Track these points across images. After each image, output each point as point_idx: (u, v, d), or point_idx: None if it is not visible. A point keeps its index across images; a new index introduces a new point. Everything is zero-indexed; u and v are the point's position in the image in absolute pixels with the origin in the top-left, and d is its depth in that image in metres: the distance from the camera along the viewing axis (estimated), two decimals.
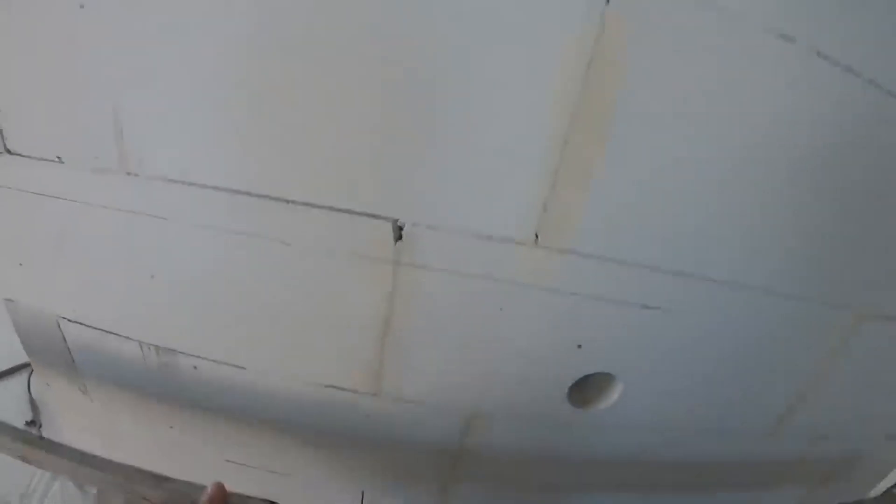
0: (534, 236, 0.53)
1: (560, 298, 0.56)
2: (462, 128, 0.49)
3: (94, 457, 0.66)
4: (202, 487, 0.53)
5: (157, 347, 0.71)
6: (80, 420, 0.90)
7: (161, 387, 0.75)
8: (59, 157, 0.57)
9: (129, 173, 0.55)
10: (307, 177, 0.53)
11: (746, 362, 0.70)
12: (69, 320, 0.72)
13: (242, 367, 0.68)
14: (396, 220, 0.54)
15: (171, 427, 0.82)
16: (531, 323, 0.57)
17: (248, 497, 0.55)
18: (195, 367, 0.71)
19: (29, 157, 0.58)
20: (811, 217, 0.57)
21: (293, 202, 0.54)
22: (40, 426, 1.10)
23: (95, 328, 0.71)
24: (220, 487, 0.50)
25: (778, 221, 0.56)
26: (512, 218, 0.52)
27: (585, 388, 0.66)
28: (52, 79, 0.53)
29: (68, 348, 0.76)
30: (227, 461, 0.83)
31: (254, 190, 0.54)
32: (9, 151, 0.58)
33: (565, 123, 0.48)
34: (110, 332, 0.71)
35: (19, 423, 1.08)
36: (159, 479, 0.63)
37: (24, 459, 0.67)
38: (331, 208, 0.54)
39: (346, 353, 0.63)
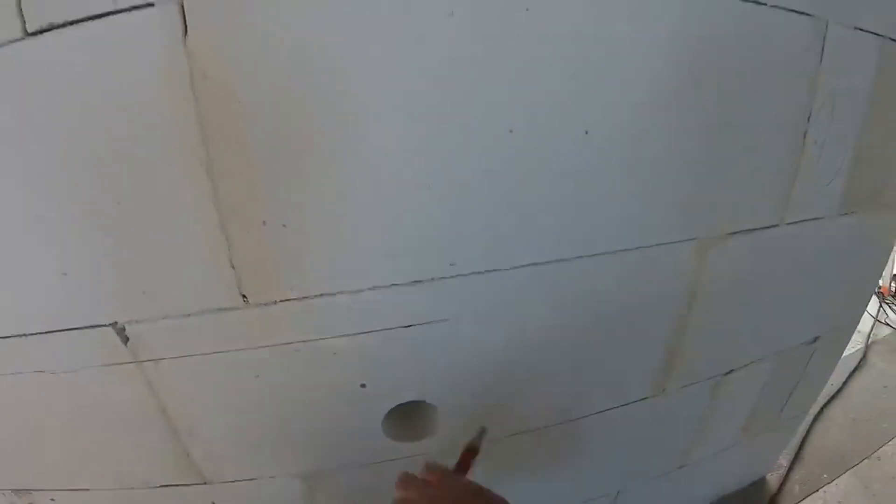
0: (241, 298, 0.49)
1: (306, 348, 0.52)
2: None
3: None
4: None
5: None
6: None
7: None
8: None
9: None
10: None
11: (593, 341, 0.64)
12: None
13: (86, 489, 0.67)
14: (115, 323, 0.51)
15: None
16: (294, 381, 0.53)
17: None
18: (52, 500, 0.70)
19: None
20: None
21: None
22: None
23: None
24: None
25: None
26: (209, 288, 0.48)
27: (411, 420, 0.62)
28: None
29: None
30: None
31: None
32: None
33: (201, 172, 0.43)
34: None
35: None
36: None
37: None
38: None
39: (154, 454, 0.60)
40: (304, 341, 0.51)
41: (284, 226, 0.46)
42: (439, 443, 0.62)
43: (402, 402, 0.57)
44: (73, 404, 0.57)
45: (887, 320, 1.60)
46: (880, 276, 0.99)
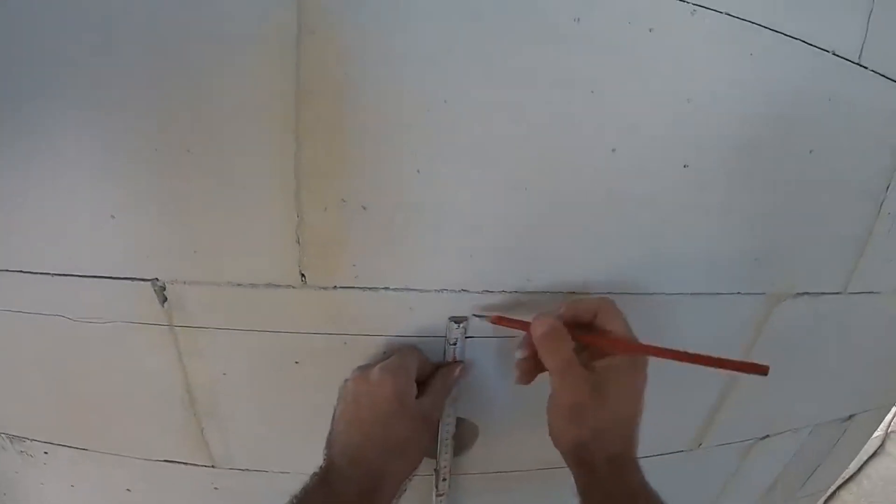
0: (299, 276, 0.45)
1: (356, 342, 0.48)
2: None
3: None
4: None
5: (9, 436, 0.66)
6: None
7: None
8: None
9: None
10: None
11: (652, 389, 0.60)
12: None
13: (83, 449, 0.63)
14: (156, 280, 0.47)
15: None
16: (336, 375, 0.49)
17: None
18: (46, 453, 0.66)
19: None
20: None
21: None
22: None
23: None
24: None
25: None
26: (267, 259, 0.44)
27: None
28: None
29: None
30: None
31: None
32: None
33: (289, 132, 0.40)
34: None
35: None
36: None
37: None
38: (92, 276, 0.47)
39: (163, 424, 0.56)
40: (356, 335, 0.47)
41: (364, 208, 0.42)
42: (470, 461, 0.58)
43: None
44: (89, 358, 0.53)
45: None
46: None
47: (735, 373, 0.40)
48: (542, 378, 0.44)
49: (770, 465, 0.86)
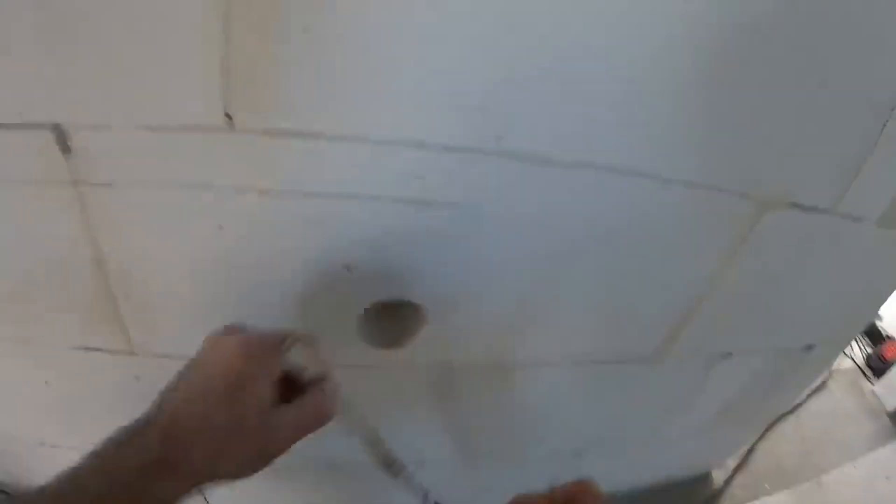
0: (224, 117, 0.38)
1: (290, 202, 0.42)
2: None
3: None
4: None
5: None
6: None
7: None
8: None
9: None
10: None
11: (621, 273, 0.56)
12: None
13: None
14: (56, 125, 0.39)
15: None
16: (264, 243, 0.43)
17: None
18: None
19: None
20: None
21: None
22: None
23: None
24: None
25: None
26: (186, 96, 0.37)
27: (395, 322, 0.53)
28: None
29: None
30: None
31: None
32: None
33: None
34: None
35: None
36: None
37: None
38: None
39: (73, 303, 0.49)
40: (287, 191, 0.41)
41: (305, 31, 0.35)
42: (412, 355, 0.54)
43: (387, 298, 0.48)
44: None
45: (851, 354, 1.61)
46: (882, 304, 0.97)
47: None
48: None
49: (730, 383, 0.86)
